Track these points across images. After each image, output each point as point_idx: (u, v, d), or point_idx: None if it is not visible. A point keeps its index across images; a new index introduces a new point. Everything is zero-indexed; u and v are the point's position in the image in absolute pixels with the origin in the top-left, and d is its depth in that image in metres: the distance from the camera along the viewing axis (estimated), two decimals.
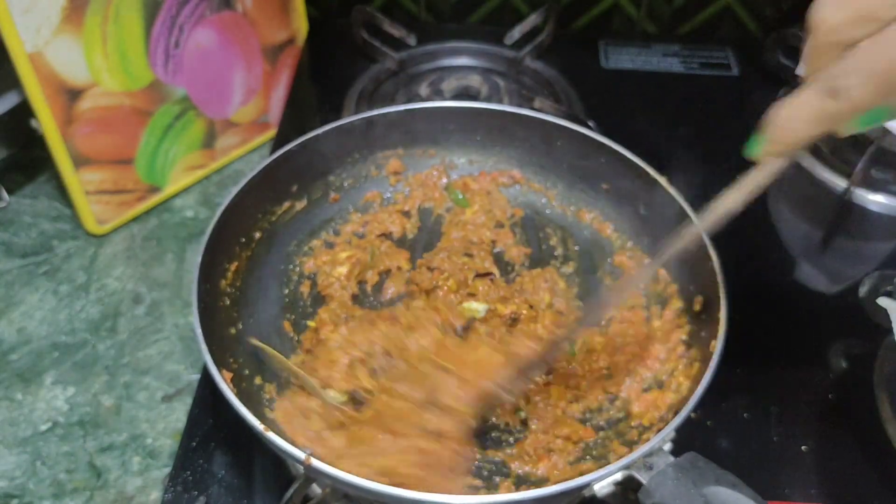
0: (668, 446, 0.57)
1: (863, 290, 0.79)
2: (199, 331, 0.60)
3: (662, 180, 0.72)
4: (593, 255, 0.79)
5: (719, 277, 0.64)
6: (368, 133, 0.81)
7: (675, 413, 0.56)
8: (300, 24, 1.05)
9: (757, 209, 0.92)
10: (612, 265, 0.78)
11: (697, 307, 0.67)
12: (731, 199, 0.53)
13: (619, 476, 0.53)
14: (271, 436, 0.54)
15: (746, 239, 0.87)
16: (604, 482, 0.53)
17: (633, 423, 0.65)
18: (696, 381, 0.58)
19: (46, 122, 0.80)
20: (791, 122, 0.45)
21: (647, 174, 0.73)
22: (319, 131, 0.78)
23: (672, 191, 0.71)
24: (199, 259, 0.65)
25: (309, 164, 0.79)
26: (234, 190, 0.71)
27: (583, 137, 0.78)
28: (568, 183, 0.82)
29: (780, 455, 0.68)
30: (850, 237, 0.90)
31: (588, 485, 0.52)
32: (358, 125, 0.80)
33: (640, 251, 0.77)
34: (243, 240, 0.74)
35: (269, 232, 0.77)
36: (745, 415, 0.71)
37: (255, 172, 0.73)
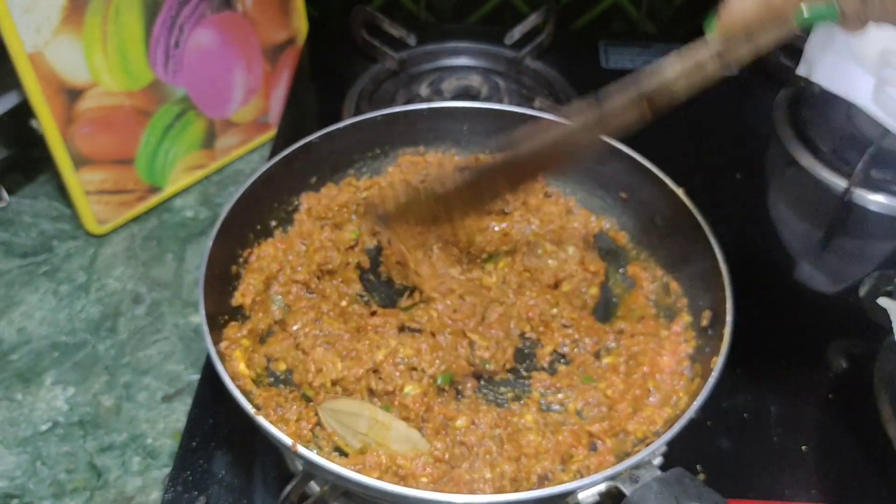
0: (657, 460, 0.57)
1: (863, 290, 0.79)
2: (202, 312, 0.60)
3: (680, 192, 0.72)
4: (607, 264, 0.79)
5: (728, 293, 0.63)
6: (389, 129, 0.81)
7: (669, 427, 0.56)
8: (300, 24, 1.05)
9: (757, 209, 0.92)
10: (625, 275, 0.77)
11: (705, 322, 0.67)
12: (673, 69, 0.55)
13: (603, 486, 0.53)
14: (261, 420, 0.54)
15: (747, 239, 0.87)
16: (588, 491, 0.53)
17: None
18: (694, 397, 0.58)
19: (46, 122, 0.80)
20: (741, 4, 0.50)
21: (665, 185, 0.73)
22: (340, 125, 0.78)
23: (689, 203, 0.71)
24: (209, 243, 0.65)
25: (328, 157, 0.79)
26: (251, 178, 0.71)
27: (603, 144, 0.78)
28: (587, 190, 0.82)
29: (780, 455, 0.69)
30: (850, 237, 0.90)
31: (573, 492, 0.53)
32: (380, 121, 0.80)
33: (655, 262, 0.76)
34: (259, 227, 0.74)
35: (284, 221, 0.77)
36: (745, 415, 0.71)
37: (272, 162, 0.73)
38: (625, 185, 0.78)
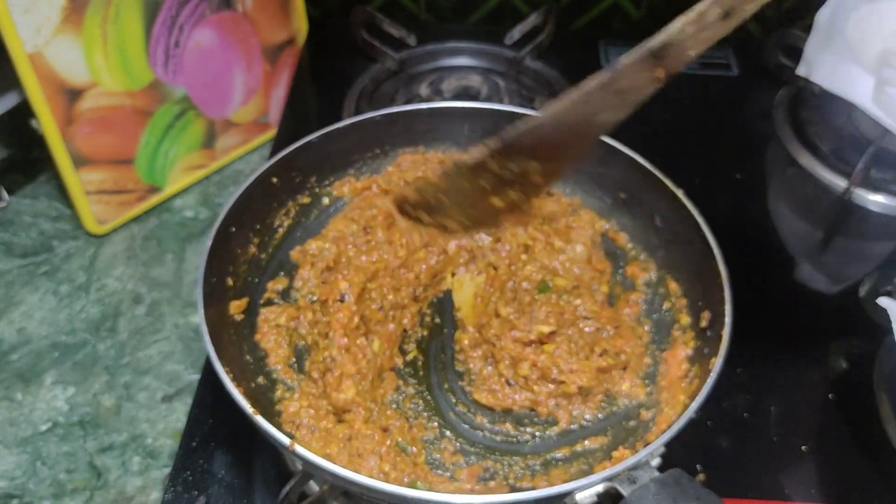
0: (656, 461, 0.56)
1: (863, 290, 0.79)
2: (201, 312, 0.60)
3: (680, 193, 0.72)
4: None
5: (727, 294, 0.63)
6: (389, 130, 0.81)
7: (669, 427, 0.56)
8: (300, 24, 1.05)
9: (757, 209, 0.92)
10: (624, 276, 0.77)
11: (704, 323, 0.67)
12: (678, 23, 0.52)
13: (601, 487, 0.53)
14: (259, 419, 0.54)
15: (746, 239, 0.87)
16: (586, 492, 0.53)
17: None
18: (693, 397, 0.58)
19: (46, 122, 0.80)
20: None
21: (665, 186, 0.73)
22: (340, 125, 0.78)
23: (688, 204, 0.71)
24: (209, 243, 0.65)
25: (327, 158, 0.79)
26: (249, 179, 0.71)
27: (602, 144, 0.78)
28: (587, 190, 0.82)
29: (780, 455, 0.69)
30: (850, 237, 0.90)
31: (570, 493, 0.53)
32: (379, 121, 0.80)
33: (654, 263, 0.76)
34: (258, 227, 0.74)
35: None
36: (745, 415, 0.71)
37: (272, 162, 0.73)
38: (624, 185, 0.78)
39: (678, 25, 0.52)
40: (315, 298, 0.73)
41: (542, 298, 0.71)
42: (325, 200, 0.81)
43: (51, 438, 0.71)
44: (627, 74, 0.55)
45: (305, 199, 0.79)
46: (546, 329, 0.69)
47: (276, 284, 0.74)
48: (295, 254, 0.77)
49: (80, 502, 0.67)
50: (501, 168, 0.59)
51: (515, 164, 0.59)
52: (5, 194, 0.92)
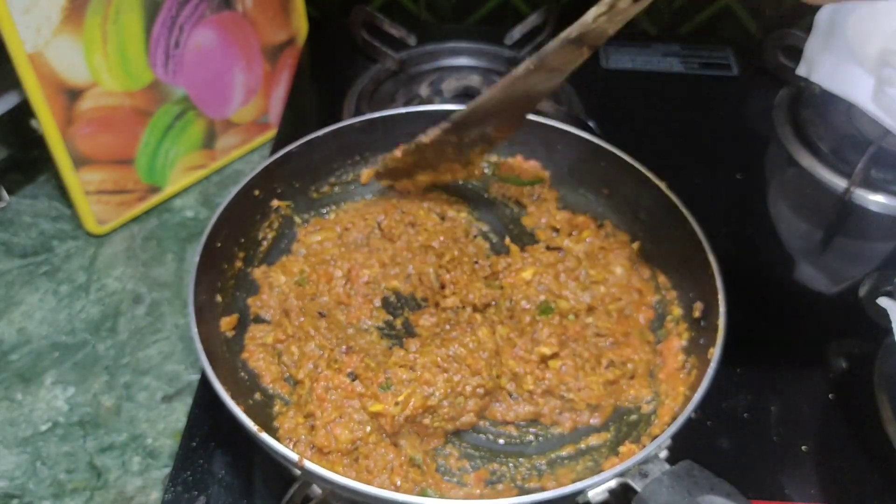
0: (663, 454, 0.57)
1: (863, 290, 0.79)
2: (194, 330, 0.60)
3: (663, 186, 0.72)
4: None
5: (718, 283, 0.63)
6: (368, 135, 0.81)
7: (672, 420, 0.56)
8: (300, 24, 1.05)
9: (757, 209, 0.92)
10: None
11: (697, 314, 0.67)
12: (593, 13, 0.58)
13: (613, 483, 0.53)
14: (265, 437, 0.54)
15: (746, 239, 0.87)
16: (598, 489, 0.53)
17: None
18: (694, 388, 0.58)
19: (46, 122, 0.80)
20: None
21: (648, 179, 0.73)
22: (320, 133, 0.78)
23: (672, 196, 0.71)
24: (196, 259, 0.65)
25: (308, 167, 0.79)
26: (233, 191, 0.71)
27: (583, 142, 0.78)
28: (570, 187, 0.82)
29: (780, 455, 0.68)
30: (850, 237, 0.90)
31: (582, 491, 0.53)
32: (358, 127, 0.80)
33: (641, 256, 0.77)
34: (242, 240, 0.74)
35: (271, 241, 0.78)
36: (745, 415, 0.71)
37: (255, 172, 0.74)
38: (607, 180, 0.79)
39: (591, 17, 0.59)
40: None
41: (544, 320, 0.70)
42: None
43: (51, 438, 0.71)
44: (553, 59, 0.64)
45: (288, 211, 0.79)
46: (548, 351, 0.67)
47: (257, 301, 0.74)
48: (258, 273, 0.76)
49: (80, 502, 0.67)
50: (460, 138, 0.74)
51: (473, 131, 0.73)
52: (5, 194, 0.92)
